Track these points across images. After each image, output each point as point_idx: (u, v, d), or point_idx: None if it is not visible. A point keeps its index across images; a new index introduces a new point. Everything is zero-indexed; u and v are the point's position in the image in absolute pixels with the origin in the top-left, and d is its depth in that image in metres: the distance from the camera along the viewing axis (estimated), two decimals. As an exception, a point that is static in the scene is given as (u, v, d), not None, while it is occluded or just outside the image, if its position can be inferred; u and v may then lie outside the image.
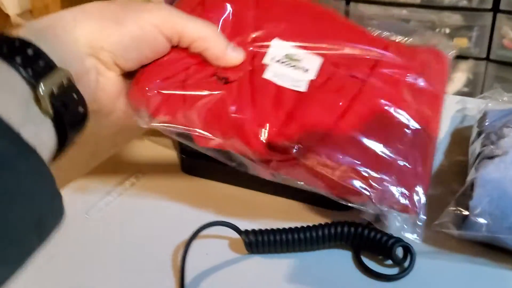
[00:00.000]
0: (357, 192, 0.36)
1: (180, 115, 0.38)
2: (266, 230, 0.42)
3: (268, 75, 0.40)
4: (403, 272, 0.39)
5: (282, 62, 0.41)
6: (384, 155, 0.37)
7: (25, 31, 0.31)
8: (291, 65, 0.41)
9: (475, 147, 0.45)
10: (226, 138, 0.38)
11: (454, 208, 0.40)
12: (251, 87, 0.40)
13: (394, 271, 0.40)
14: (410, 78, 0.42)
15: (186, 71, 0.39)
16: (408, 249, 0.40)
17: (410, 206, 0.37)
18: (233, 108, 0.38)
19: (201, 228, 0.42)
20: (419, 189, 0.37)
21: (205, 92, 0.38)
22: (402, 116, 0.40)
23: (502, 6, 1.19)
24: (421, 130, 0.40)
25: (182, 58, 0.39)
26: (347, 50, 0.42)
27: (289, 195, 0.49)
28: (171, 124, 0.38)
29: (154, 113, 0.38)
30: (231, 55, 0.40)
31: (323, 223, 0.42)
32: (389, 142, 0.38)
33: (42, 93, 0.29)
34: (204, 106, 0.38)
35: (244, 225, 0.42)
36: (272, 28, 0.43)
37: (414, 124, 0.40)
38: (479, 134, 0.47)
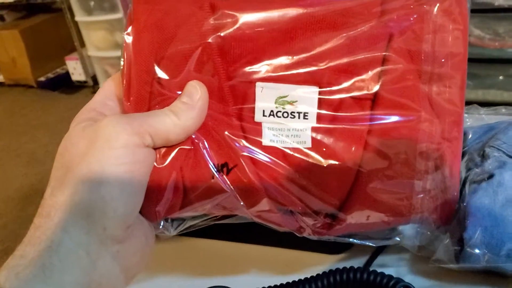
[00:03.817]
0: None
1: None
2: (262, 289, 0.41)
3: (266, 140, 0.35)
4: (408, 313, 0.38)
5: (277, 113, 0.34)
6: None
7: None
8: (288, 113, 0.34)
9: (460, 171, 0.44)
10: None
11: (448, 241, 0.38)
12: (256, 166, 0.34)
13: (398, 313, 0.39)
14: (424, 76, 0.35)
15: (181, 179, 0.34)
16: (409, 289, 0.39)
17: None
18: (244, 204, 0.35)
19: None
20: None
21: (214, 200, 0.35)
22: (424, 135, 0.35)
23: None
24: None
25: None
26: (342, 59, 0.34)
27: (275, 242, 0.48)
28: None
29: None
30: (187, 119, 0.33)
31: (314, 274, 0.40)
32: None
33: None
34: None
35: (238, 284, 0.41)
36: (243, 58, 0.34)
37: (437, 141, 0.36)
38: (462, 155, 0.46)
